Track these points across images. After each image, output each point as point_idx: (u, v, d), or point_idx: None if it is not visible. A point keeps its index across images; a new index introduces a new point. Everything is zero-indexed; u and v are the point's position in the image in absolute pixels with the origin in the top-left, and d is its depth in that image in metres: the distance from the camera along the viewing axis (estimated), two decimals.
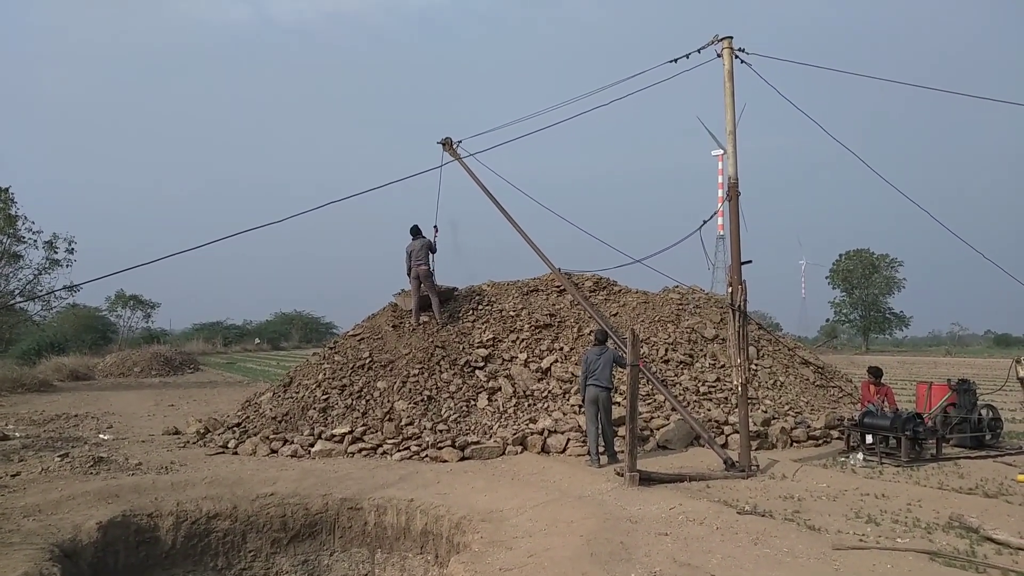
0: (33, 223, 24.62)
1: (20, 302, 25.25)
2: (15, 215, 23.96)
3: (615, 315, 14.31)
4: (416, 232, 13.44)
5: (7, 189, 23.99)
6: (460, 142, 13.06)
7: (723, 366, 12.86)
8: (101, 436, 12.60)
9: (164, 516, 7.86)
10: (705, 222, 10.42)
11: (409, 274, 13.32)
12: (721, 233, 64.40)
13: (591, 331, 13.29)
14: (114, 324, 54.57)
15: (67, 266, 25.50)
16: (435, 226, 13.61)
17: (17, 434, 12.85)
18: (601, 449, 9.65)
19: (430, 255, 13.29)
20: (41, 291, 24.90)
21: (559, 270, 13.03)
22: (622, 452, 9.14)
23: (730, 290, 9.40)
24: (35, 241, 24.73)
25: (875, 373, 11.24)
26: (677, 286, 15.95)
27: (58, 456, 9.97)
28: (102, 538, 7.21)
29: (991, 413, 11.14)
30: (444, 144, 13.10)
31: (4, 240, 23.80)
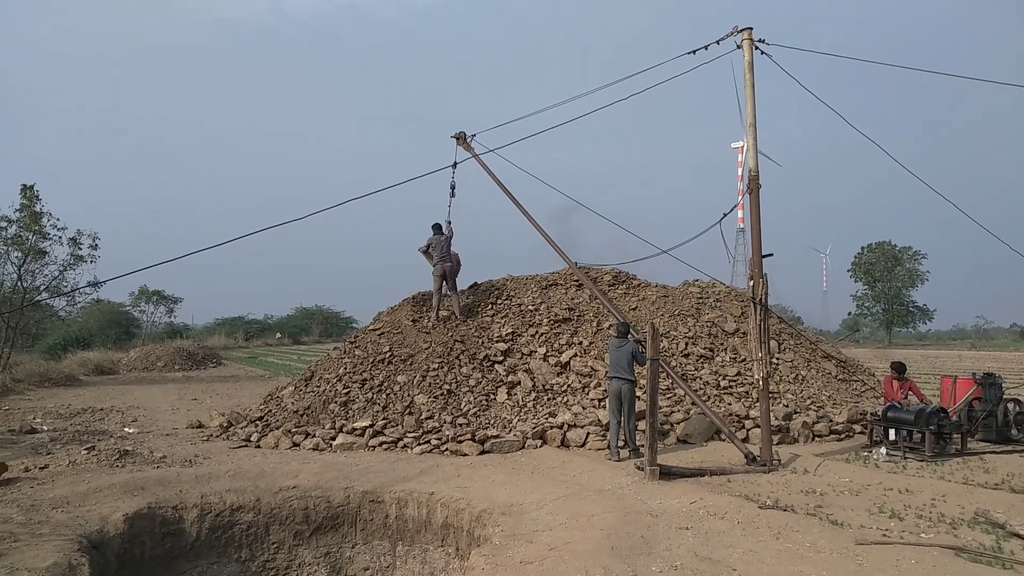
0: (58, 220, 24.95)
1: (46, 299, 25.62)
2: (40, 212, 24.28)
3: (635, 309, 14.26)
4: (439, 228, 13.52)
5: (32, 186, 24.33)
6: (474, 136, 13.09)
7: (744, 360, 12.78)
8: (126, 429, 12.79)
9: (189, 508, 7.97)
10: (725, 215, 10.35)
11: (432, 261, 13.42)
12: (741, 226, 63.97)
13: (610, 325, 13.27)
14: (137, 319, 55.28)
15: (91, 262, 25.83)
16: (452, 184, 13.41)
17: (45, 427, 13.09)
18: (621, 443, 9.64)
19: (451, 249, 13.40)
20: (66, 287, 25.22)
21: (575, 264, 13.01)
22: (643, 446, 9.12)
23: (751, 283, 9.34)
24: (60, 238, 25.06)
25: (898, 368, 11.10)
26: (696, 280, 15.86)
27: (85, 449, 10.14)
28: (128, 529, 7.32)
29: (1017, 407, 10.98)
30: (458, 138, 13.18)
31: (30, 237, 24.14)
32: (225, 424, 12.19)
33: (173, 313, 58.17)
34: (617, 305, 13.41)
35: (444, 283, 13.40)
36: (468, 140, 13.12)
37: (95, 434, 12.24)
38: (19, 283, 24.17)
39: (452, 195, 13.53)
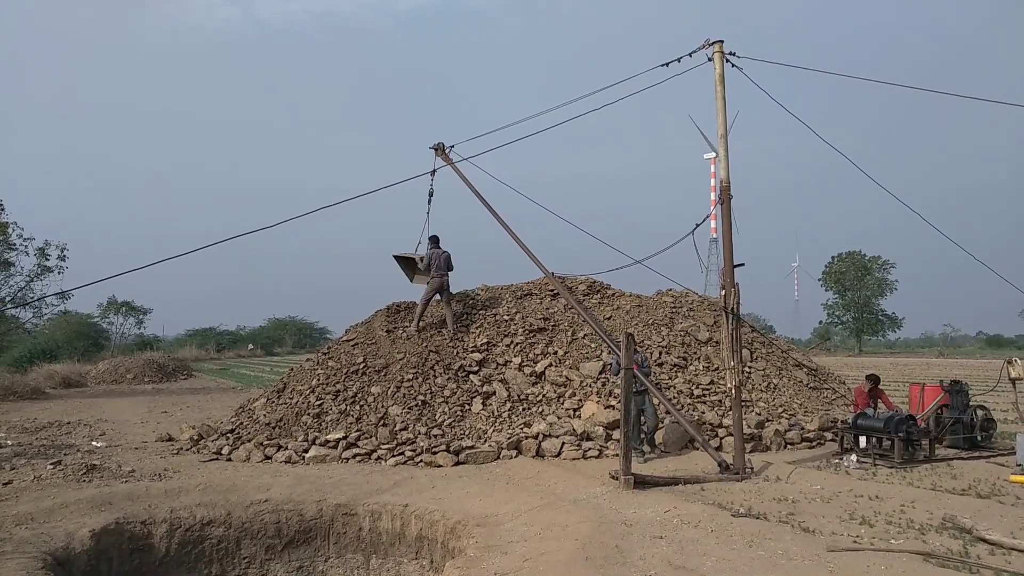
0: (23, 230, 24.43)
1: (9, 308, 25.04)
2: (5, 222, 23.78)
3: (609, 319, 14.33)
4: (437, 242, 13.50)
5: None
6: (453, 147, 13.12)
7: (717, 369, 12.88)
8: (94, 443, 12.53)
9: (158, 523, 7.83)
10: (698, 225, 10.49)
11: (430, 273, 13.39)
12: (714, 236, 64.70)
13: (585, 335, 13.33)
14: (106, 331, 54.11)
15: (59, 273, 25.28)
16: (431, 191, 13.35)
17: (9, 442, 12.77)
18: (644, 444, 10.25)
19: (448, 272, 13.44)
20: (33, 298, 24.68)
21: (552, 274, 13.06)
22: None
23: (723, 293, 9.44)
24: (26, 248, 24.53)
25: (872, 380, 11.29)
26: (670, 289, 15.99)
27: (51, 464, 9.91)
28: (95, 546, 7.17)
29: (984, 414, 11.20)
30: (436, 149, 13.19)
31: None
32: (195, 437, 12.00)
33: (143, 324, 57.06)
34: (593, 315, 13.47)
35: (438, 295, 13.39)
36: (447, 151, 13.19)
37: (61, 448, 11.97)
38: None
39: (430, 201, 13.52)
